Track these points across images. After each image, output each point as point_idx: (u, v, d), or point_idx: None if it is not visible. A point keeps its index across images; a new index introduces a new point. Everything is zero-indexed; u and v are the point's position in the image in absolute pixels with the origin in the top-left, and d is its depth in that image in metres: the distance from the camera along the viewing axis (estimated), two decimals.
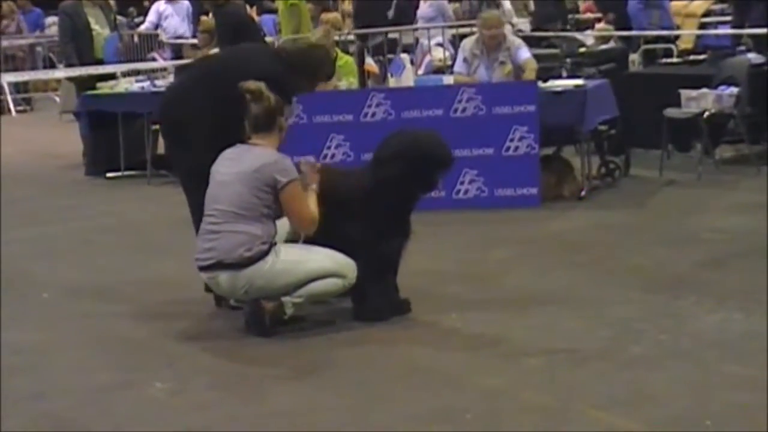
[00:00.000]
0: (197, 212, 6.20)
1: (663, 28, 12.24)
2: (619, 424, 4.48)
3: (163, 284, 7.13)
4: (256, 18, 15.21)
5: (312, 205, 5.92)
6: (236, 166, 5.89)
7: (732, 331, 5.62)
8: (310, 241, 6.07)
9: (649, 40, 12.24)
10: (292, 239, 6.13)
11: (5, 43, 20.07)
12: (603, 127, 9.54)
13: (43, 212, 10.28)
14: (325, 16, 13.24)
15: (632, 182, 9.81)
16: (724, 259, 7.08)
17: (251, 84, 5.98)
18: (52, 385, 5.39)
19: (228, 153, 6.01)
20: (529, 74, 9.47)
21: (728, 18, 12.98)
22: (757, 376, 4.87)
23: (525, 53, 9.69)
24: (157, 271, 7.49)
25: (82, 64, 12.23)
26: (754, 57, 10.46)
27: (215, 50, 12.14)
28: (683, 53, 12.45)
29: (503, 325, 5.90)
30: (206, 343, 5.92)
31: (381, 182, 6.07)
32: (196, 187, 6.19)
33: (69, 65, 12.66)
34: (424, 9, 14.99)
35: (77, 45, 12.22)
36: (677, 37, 12.61)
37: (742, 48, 11.51)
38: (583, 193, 9.14)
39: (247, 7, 14.91)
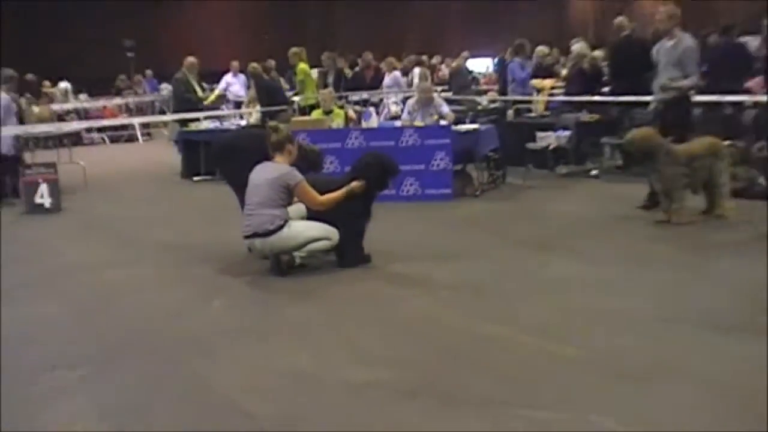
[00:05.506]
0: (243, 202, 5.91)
1: (525, 95, 11.92)
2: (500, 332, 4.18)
3: (220, 243, 6.77)
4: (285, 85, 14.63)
5: (317, 195, 5.69)
6: (264, 175, 5.65)
7: (558, 272, 5.34)
8: (311, 218, 5.78)
9: (517, 102, 11.93)
10: (300, 218, 5.83)
11: (137, 99, 20.12)
12: (491, 153, 9.27)
13: (154, 198, 9.99)
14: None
15: (508, 187, 9.50)
16: (566, 229, 6.81)
17: (272, 122, 5.79)
18: (145, 302, 5.08)
19: (259, 167, 5.77)
20: (448, 119, 9.13)
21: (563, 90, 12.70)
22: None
23: (446, 108, 9.41)
24: (218, 235, 7.14)
25: (190, 110, 11.79)
26: (581, 114, 10.23)
27: (257, 105, 11.82)
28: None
29: (428, 270, 5.61)
30: (245, 278, 5.62)
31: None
32: (243, 187, 5.84)
33: (174, 112, 12.25)
34: (387, 80, 14.55)
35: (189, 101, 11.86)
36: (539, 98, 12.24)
37: (571, 108, 11.20)
38: (478, 192, 8.87)
39: (281, 80, 14.47)
